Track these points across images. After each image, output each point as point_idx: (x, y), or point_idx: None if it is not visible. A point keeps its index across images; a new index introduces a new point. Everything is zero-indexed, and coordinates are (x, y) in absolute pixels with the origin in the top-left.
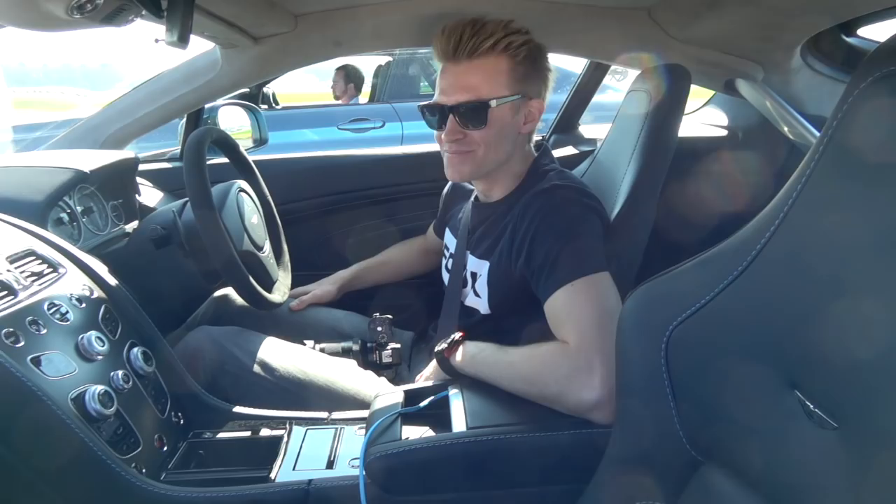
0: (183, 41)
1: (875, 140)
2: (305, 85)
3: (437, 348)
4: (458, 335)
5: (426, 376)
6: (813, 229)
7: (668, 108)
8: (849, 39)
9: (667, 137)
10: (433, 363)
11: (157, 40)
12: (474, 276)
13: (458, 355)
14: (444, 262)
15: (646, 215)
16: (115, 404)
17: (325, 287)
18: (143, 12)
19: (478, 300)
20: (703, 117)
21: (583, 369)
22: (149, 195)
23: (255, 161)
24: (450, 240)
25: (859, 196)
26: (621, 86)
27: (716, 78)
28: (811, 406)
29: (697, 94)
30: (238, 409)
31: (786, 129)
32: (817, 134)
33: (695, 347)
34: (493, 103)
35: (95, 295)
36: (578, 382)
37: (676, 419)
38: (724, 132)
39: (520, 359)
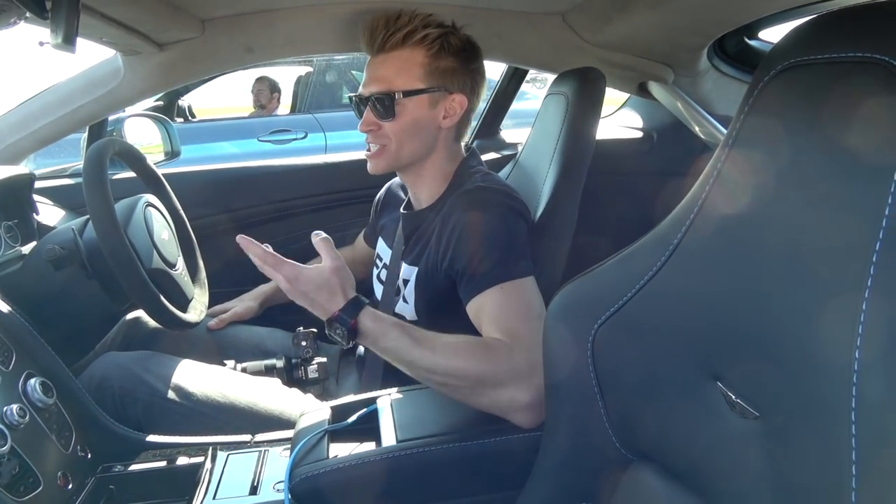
0: (68, 42)
1: (779, 128)
2: (226, 98)
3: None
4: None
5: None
6: (726, 220)
7: (585, 110)
8: (751, 42)
9: (585, 139)
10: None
11: (41, 43)
12: (405, 282)
13: (369, 321)
14: (375, 271)
15: (568, 216)
16: (8, 442)
17: (246, 304)
18: (28, 15)
19: (405, 306)
20: (619, 120)
21: (523, 369)
22: (49, 214)
23: (167, 174)
24: (383, 249)
25: (769, 184)
26: (541, 93)
27: (629, 81)
28: (733, 396)
29: (613, 102)
30: (152, 437)
31: (697, 128)
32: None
33: (619, 344)
34: (398, 95)
35: None
36: (517, 381)
37: (605, 418)
38: (640, 134)
39: (456, 342)
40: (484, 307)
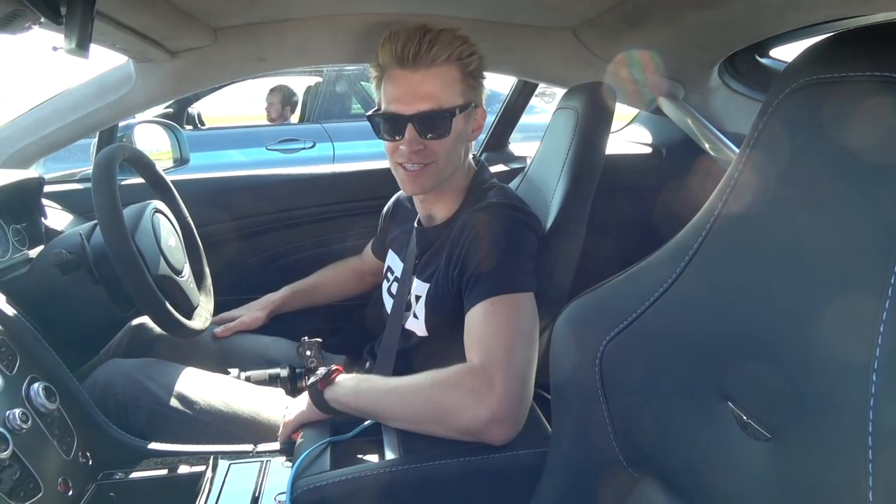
0: (82, 48)
1: (793, 146)
2: (236, 106)
3: (311, 380)
4: (333, 367)
5: (293, 415)
6: (738, 238)
7: (595, 124)
8: (762, 60)
9: (595, 153)
10: (303, 399)
11: (55, 48)
12: (417, 298)
13: (336, 387)
14: (386, 284)
15: (577, 230)
16: (10, 447)
17: (253, 313)
18: (42, 20)
19: (416, 322)
20: (628, 135)
21: (483, 386)
22: (57, 218)
23: (175, 181)
24: (394, 262)
25: (782, 200)
26: (550, 107)
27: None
28: (744, 417)
29: (622, 117)
30: (154, 445)
31: (707, 145)
32: (736, 150)
33: (629, 361)
34: (457, 112)
35: None
36: (476, 398)
37: (612, 435)
38: (649, 149)
39: (413, 382)
40: (472, 321)
